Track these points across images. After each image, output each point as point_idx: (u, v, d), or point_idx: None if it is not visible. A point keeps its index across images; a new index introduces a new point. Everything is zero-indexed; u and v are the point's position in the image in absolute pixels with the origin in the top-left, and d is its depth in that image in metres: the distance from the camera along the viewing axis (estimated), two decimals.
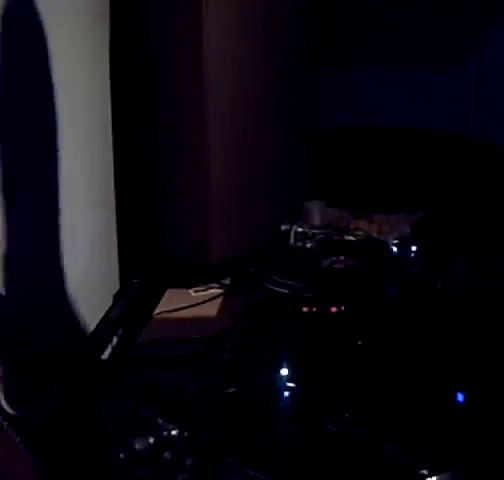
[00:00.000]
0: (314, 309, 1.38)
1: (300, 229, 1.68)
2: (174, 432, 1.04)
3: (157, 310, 1.68)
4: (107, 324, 1.65)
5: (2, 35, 1.32)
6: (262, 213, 1.92)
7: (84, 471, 1.05)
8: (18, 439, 0.98)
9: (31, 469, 0.99)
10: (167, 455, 1.02)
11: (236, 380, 1.20)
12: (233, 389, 1.12)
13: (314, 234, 1.68)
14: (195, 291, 1.76)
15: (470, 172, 2.24)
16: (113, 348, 1.63)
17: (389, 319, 1.34)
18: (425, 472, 0.90)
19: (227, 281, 1.79)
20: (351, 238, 1.69)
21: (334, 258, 1.55)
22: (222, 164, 1.83)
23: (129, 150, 1.89)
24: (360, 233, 1.72)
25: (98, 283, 1.74)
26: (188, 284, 1.79)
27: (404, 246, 1.58)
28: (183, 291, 1.77)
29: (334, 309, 1.36)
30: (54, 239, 1.51)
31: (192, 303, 1.69)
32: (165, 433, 1.04)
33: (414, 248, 1.57)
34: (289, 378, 1.10)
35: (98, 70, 1.79)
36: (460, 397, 1.06)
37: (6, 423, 0.98)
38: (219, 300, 1.71)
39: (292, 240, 1.67)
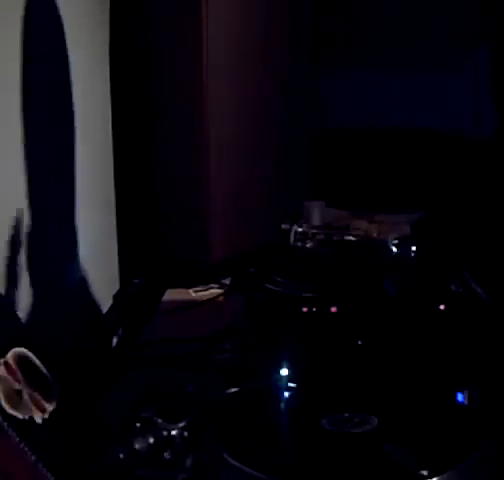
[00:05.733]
0: (314, 309, 1.38)
1: (300, 229, 1.68)
2: (174, 432, 1.04)
3: (157, 310, 1.68)
4: (107, 324, 1.65)
5: (2, 36, 1.33)
6: (262, 213, 1.92)
7: (84, 471, 1.05)
8: (18, 439, 0.98)
9: (31, 469, 0.99)
10: (167, 455, 1.02)
11: (236, 380, 1.20)
12: (233, 389, 1.12)
13: (314, 234, 1.68)
14: (195, 291, 1.76)
15: (470, 172, 2.24)
16: (113, 348, 1.62)
17: (389, 319, 1.34)
18: (425, 472, 0.90)
19: (227, 281, 1.79)
20: (351, 238, 1.69)
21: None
22: (222, 164, 1.83)
23: (129, 150, 1.89)
24: (360, 233, 1.72)
25: (98, 283, 1.74)
26: (188, 284, 1.79)
27: (404, 246, 1.58)
28: (183, 291, 1.77)
29: (334, 309, 1.36)
30: (54, 239, 1.51)
31: (192, 303, 1.69)
32: (165, 433, 1.04)
33: (414, 248, 1.57)
34: (289, 378, 1.10)
35: (98, 70, 1.79)
36: (460, 397, 1.06)
37: (6, 423, 0.98)
38: (219, 300, 1.71)
39: (292, 240, 1.67)
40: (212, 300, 1.71)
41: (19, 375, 1.08)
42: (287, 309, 1.40)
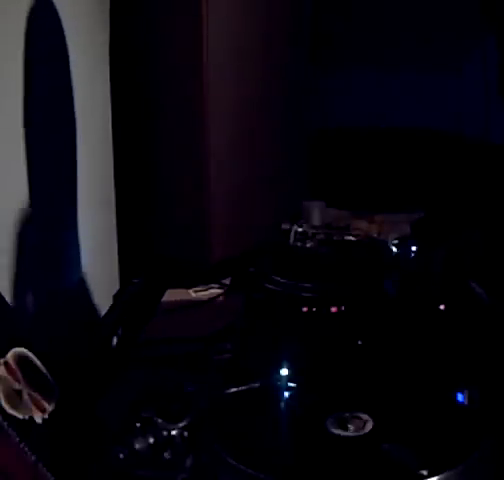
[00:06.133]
0: (314, 309, 1.38)
1: (300, 229, 1.68)
2: (174, 432, 1.04)
3: (157, 310, 1.68)
4: (107, 324, 1.65)
5: (2, 36, 1.33)
6: (262, 213, 1.92)
7: (84, 471, 1.05)
8: (18, 439, 0.98)
9: (31, 469, 0.99)
10: (167, 455, 1.02)
11: (236, 380, 1.20)
12: (233, 389, 1.12)
13: (314, 234, 1.68)
14: (195, 291, 1.76)
15: (470, 172, 2.24)
16: (113, 348, 1.62)
17: (389, 319, 1.34)
18: (425, 472, 0.90)
19: (227, 281, 1.79)
20: (351, 238, 1.69)
21: None
22: (222, 164, 1.83)
23: (129, 150, 1.89)
24: (360, 233, 1.72)
25: (98, 283, 1.74)
26: (188, 284, 1.79)
27: (404, 246, 1.58)
28: (183, 291, 1.77)
29: (334, 309, 1.36)
30: (54, 239, 1.51)
31: (192, 303, 1.69)
32: (165, 433, 1.04)
33: (414, 248, 1.57)
34: (289, 378, 1.10)
35: (98, 70, 1.79)
36: (460, 397, 1.06)
37: (6, 423, 0.98)
38: (219, 300, 1.71)
39: (292, 240, 1.67)
40: (212, 300, 1.71)
41: (19, 375, 1.08)
42: (287, 309, 1.40)
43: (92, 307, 1.68)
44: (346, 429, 1.00)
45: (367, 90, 2.48)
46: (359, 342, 1.27)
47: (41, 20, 1.45)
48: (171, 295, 1.76)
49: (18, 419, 1.04)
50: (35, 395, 1.08)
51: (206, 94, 1.79)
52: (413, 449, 0.94)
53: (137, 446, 1.03)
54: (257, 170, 1.92)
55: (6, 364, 1.08)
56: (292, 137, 2.06)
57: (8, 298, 1.31)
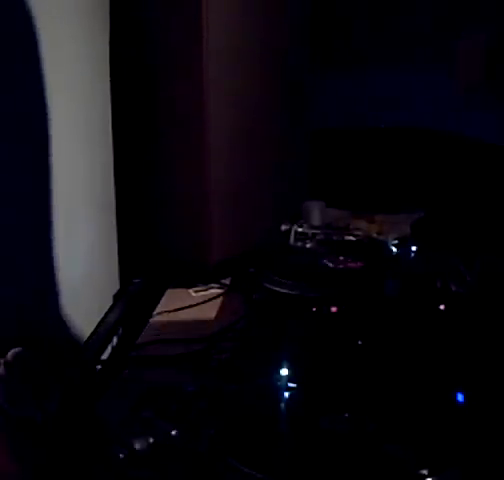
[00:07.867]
0: (314, 309, 1.38)
1: (300, 229, 1.69)
2: (174, 432, 1.04)
3: (157, 310, 1.68)
4: (107, 324, 1.65)
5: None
6: (262, 213, 1.91)
7: (83, 471, 1.05)
8: (18, 439, 0.98)
9: (31, 469, 0.99)
10: (167, 455, 1.02)
11: (236, 380, 1.20)
12: (233, 389, 1.12)
13: (314, 234, 1.68)
14: (195, 291, 1.76)
15: (470, 172, 2.24)
16: (113, 348, 1.63)
17: (389, 319, 1.34)
18: (425, 472, 0.90)
19: (227, 281, 1.79)
20: (351, 238, 1.69)
21: (335, 258, 1.55)
22: (222, 164, 1.83)
23: (129, 150, 1.89)
24: (360, 233, 1.72)
25: (98, 283, 1.74)
26: (188, 284, 1.79)
27: (404, 246, 1.59)
28: (183, 291, 1.77)
29: (334, 309, 1.37)
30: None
31: (192, 303, 1.69)
32: (165, 433, 1.04)
33: (414, 248, 1.57)
34: (289, 378, 1.10)
35: (98, 70, 1.79)
36: (460, 397, 1.06)
37: (7, 423, 0.98)
38: (219, 300, 1.71)
39: (292, 240, 1.67)
40: (212, 300, 1.71)
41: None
42: (287, 309, 1.40)
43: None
44: (346, 429, 1.00)
45: (367, 90, 2.48)
46: (359, 342, 1.27)
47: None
48: (171, 295, 1.76)
49: (18, 419, 1.04)
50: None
51: (207, 94, 1.79)
52: (413, 449, 0.94)
53: (137, 446, 1.03)
54: (257, 170, 1.92)
55: (6, 364, 1.08)
56: (292, 137, 2.06)
57: (8, 298, 1.31)
